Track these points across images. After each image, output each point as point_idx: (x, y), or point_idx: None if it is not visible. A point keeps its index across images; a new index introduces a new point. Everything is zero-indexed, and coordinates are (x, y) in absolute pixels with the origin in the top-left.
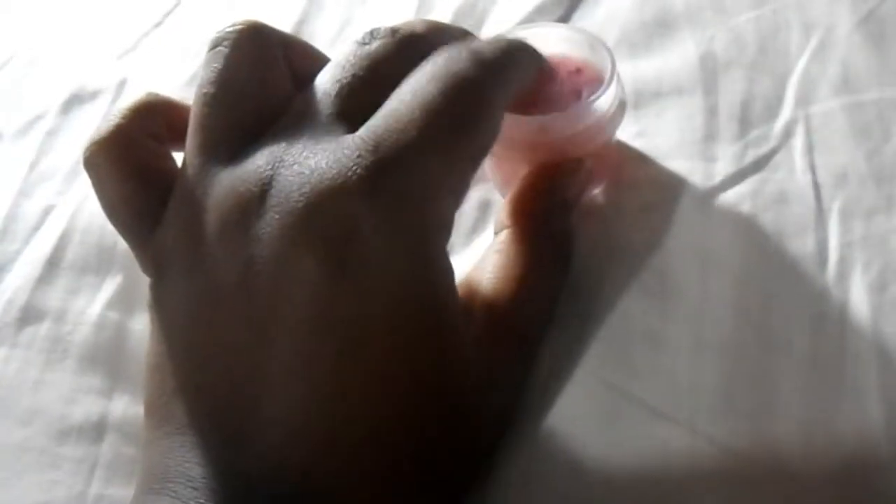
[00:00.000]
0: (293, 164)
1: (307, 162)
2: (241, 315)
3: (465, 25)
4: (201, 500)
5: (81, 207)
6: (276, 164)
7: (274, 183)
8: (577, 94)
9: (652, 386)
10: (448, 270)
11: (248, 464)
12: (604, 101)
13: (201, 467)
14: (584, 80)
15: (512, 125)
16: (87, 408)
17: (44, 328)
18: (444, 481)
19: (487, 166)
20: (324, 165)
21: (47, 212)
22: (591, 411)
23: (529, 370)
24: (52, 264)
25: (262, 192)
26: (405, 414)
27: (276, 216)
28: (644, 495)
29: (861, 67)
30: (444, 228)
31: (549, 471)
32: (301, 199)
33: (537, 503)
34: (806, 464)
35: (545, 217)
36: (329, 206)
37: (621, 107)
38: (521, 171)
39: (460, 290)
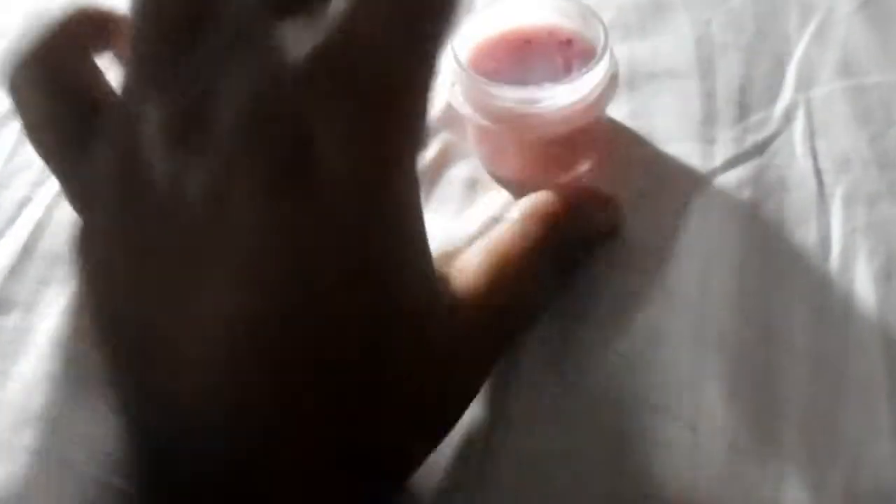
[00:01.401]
0: (232, 72)
1: (248, 65)
2: (175, 240)
3: None
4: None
5: (58, 199)
6: (216, 72)
7: (214, 92)
8: (568, 67)
9: (653, 380)
10: (413, 185)
11: (164, 406)
12: (595, 74)
13: (117, 416)
14: (575, 53)
15: (500, 96)
16: (46, 397)
17: (12, 319)
18: (398, 448)
19: (472, 139)
20: (264, 67)
21: (23, 204)
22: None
23: (502, 354)
24: (25, 255)
25: (201, 103)
26: (347, 358)
27: (218, 126)
28: (645, 489)
29: (862, 50)
30: (411, 133)
31: (549, 467)
32: (243, 106)
33: (537, 499)
34: (809, 457)
35: (560, 240)
36: (272, 109)
37: (613, 80)
38: (509, 144)
39: (448, 256)
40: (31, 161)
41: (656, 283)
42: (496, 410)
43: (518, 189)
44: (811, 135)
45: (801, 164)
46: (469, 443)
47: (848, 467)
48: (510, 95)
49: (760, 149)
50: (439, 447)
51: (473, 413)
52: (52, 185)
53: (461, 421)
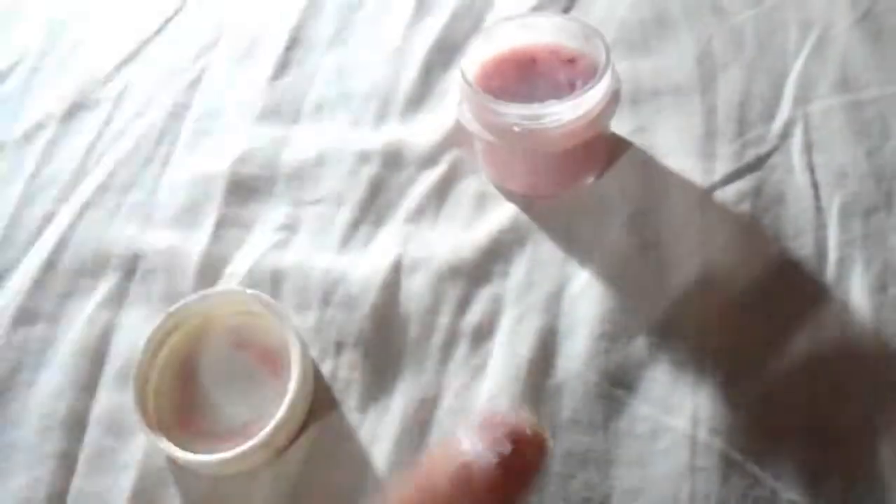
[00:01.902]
0: None
1: None
2: None
3: (463, 25)
4: None
5: (82, 215)
6: None
7: None
8: (572, 84)
9: (655, 385)
10: None
11: None
12: (597, 91)
13: None
14: (579, 71)
15: (505, 113)
16: (70, 403)
17: (38, 330)
18: None
19: (480, 154)
20: None
21: (48, 219)
22: (593, 409)
23: None
24: (49, 268)
25: None
26: None
27: None
28: (645, 486)
29: (860, 66)
30: None
31: (549, 464)
32: None
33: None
34: (807, 458)
35: None
36: None
37: (615, 97)
38: (515, 159)
39: None
40: (56, 178)
41: (659, 292)
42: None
43: (524, 202)
44: (809, 149)
45: (798, 177)
46: None
47: (845, 469)
48: (515, 112)
49: (759, 163)
50: None
51: None
52: (76, 201)
53: None
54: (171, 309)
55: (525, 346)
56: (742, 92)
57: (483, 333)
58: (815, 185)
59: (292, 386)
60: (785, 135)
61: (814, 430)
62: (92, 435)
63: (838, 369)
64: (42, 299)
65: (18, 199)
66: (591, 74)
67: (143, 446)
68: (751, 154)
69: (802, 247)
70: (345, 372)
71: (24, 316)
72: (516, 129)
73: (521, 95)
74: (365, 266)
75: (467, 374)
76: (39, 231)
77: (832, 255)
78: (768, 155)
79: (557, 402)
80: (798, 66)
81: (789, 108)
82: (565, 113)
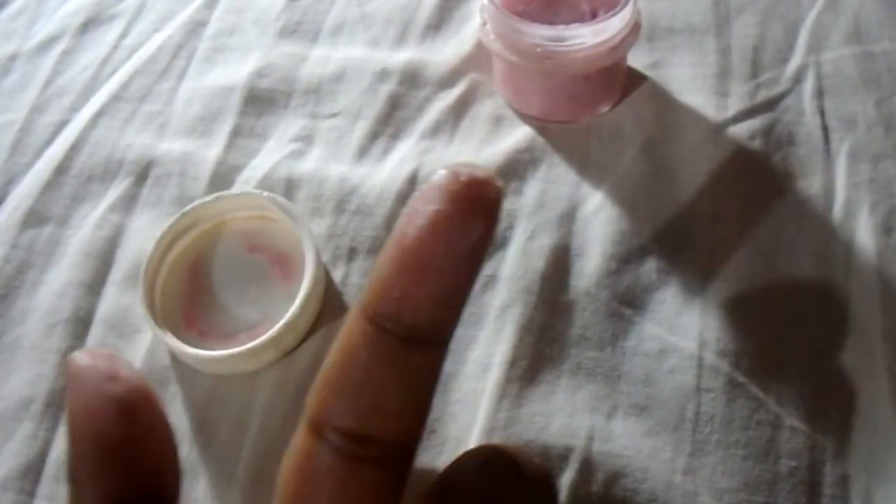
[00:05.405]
0: None
1: None
2: None
3: None
4: None
5: (95, 123)
6: None
7: None
8: (593, 14)
9: (663, 306)
10: None
11: None
12: (620, 18)
13: None
14: (600, 1)
15: (529, 33)
16: (76, 302)
17: (46, 231)
18: None
19: (499, 77)
20: None
21: (60, 126)
22: (602, 326)
23: None
24: (60, 173)
25: None
26: None
27: None
28: (651, 404)
29: (873, 19)
30: None
31: (553, 380)
32: None
33: (539, 413)
34: (809, 386)
35: None
36: None
37: (636, 27)
38: (534, 81)
39: None
40: (69, 87)
41: (669, 218)
42: None
43: (539, 126)
44: (820, 95)
45: (809, 120)
46: None
47: (845, 399)
48: (540, 33)
49: (771, 104)
50: None
51: None
52: (90, 109)
53: None
54: (186, 208)
55: (538, 262)
56: (756, 36)
57: (495, 244)
58: (824, 129)
59: (304, 286)
60: (797, 79)
61: (815, 362)
62: (95, 334)
63: (842, 304)
64: (52, 202)
65: (31, 106)
66: (612, 6)
67: (146, 346)
68: (763, 95)
69: (811, 186)
70: (356, 278)
71: (33, 218)
72: (538, 50)
73: (543, 22)
74: (381, 176)
75: (478, 284)
76: (52, 137)
77: (839, 196)
78: (781, 97)
79: (568, 317)
80: (812, 16)
81: (802, 54)
82: (588, 37)
